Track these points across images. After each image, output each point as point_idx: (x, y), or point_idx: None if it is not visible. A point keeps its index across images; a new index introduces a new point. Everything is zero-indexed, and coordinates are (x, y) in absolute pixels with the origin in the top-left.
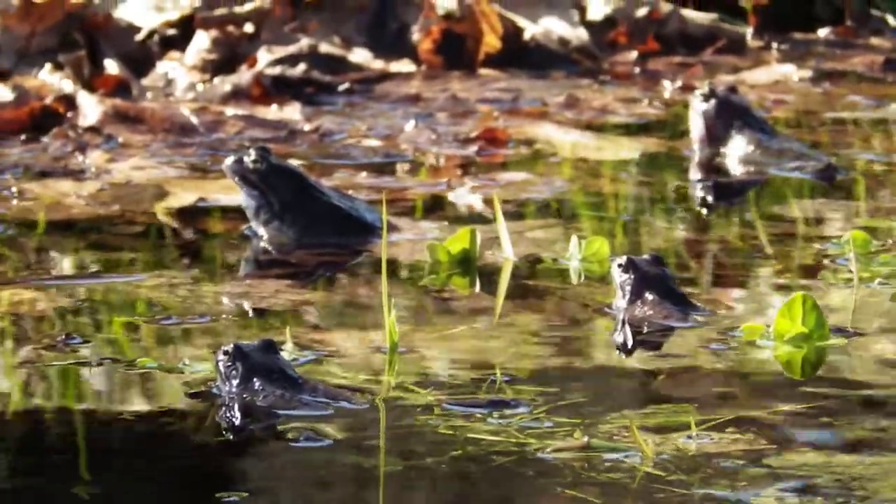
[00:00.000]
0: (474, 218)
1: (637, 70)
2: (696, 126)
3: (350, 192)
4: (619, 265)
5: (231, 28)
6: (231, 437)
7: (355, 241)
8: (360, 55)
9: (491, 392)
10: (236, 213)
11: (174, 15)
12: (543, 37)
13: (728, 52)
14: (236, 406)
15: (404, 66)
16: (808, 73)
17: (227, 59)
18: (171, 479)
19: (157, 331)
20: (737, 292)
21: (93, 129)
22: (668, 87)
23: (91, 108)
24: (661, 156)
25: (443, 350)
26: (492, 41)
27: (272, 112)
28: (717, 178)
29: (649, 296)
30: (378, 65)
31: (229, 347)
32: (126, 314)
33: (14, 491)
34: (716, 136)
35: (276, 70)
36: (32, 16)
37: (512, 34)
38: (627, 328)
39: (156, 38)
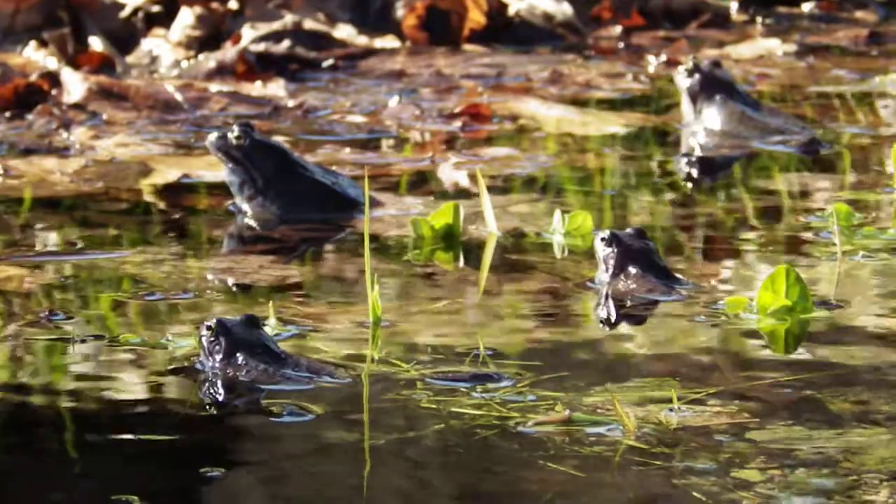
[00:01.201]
0: (458, 193)
1: (621, 45)
2: (683, 101)
3: (334, 167)
4: (603, 239)
5: (215, 4)
6: (214, 411)
7: (339, 217)
8: (344, 31)
9: (474, 366)
10: (220, 190)
11: None
12: (528, 12)
13: (712, 27)
14: (219, 381)
15: (388, 42)
16: (792, 48)
17: (211, 35)
18: (154, 454)
19: (141, 307)
20: (720, 265)
21: (77, 107)
22: (652, 62)
23: (75, 86)
24: (646, 130)
25: (426, 324)
26: (476, 17)
27: (256, 88)
28: (701, 153)
29: (632, 269)
30: (362, 41)
31: (212, 323)
32: (110, 290)
33: None
34: (700, 110)
35: (261, 46)
36: None
37: (496, 10)
38: (611, 302)
39: (140, 14)
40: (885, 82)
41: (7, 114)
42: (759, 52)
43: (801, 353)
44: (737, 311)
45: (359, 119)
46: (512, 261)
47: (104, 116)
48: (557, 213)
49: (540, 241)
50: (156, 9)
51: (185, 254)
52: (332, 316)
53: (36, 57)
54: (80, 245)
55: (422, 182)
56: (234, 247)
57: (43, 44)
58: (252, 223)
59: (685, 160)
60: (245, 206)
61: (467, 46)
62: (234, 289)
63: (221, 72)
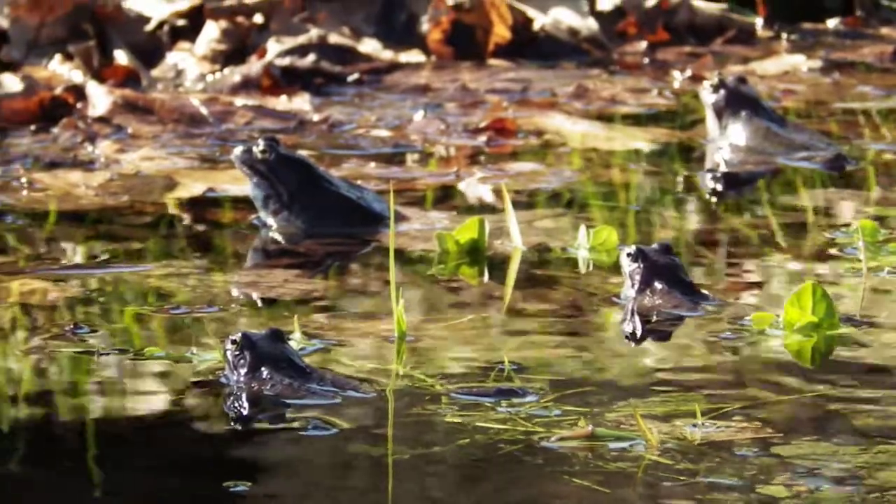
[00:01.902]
0: (483, 208)
1: (647, 60)
2: (708, 116)
3: (359, 182)
4: (629, 254)
5: (241, 18)
6: (239, 426)
7: (364, 231)
8: (369, 45)
9: (499, 381)
10: (245, 204)
11: (184, 5)
12: (553, 27)
13: (738, 43)
14: (244, 395)
15: (414, 56)
16: (817, 64)
17: (236, 49)
18: (178, 469)
19: (165, 320)
20: (746, 281)
21: (102, 120)
22: (677, 78)
23: (101, 99)
24: (671, 146)
25: (451, 339)
26: (501, 31)
27: (282, 103)
28: (726, 169)
29: (658, 285)
30: (387, 55)
31: (237, 336)
32: (135, 304)
33: (23, 480)
34: (725, 126)
35: (286, 61)
36: (42, 6)
37: (522, 24)
38: (636, 317)
39: (165, 28)
40: None
41: (32, 127)
42: (784, 67)
43: (827, 369)
44: (763, 326)
45: (384, 133)
46: (537, 276)
47: (129, 130)
48: (582, 228)
49: (565, 256)
50: (181, 22)
51: (210, 267)
52: (357, 330)
53: (61, 70)
54: (104, 258)
55: (447, 197)
56: (258, 261)
57: (68, 57)
58: (277, 237)
59: (710, 176)
60: (270, 220)
61: (492, 61)
62: (259, 303)
63: (247, 86)
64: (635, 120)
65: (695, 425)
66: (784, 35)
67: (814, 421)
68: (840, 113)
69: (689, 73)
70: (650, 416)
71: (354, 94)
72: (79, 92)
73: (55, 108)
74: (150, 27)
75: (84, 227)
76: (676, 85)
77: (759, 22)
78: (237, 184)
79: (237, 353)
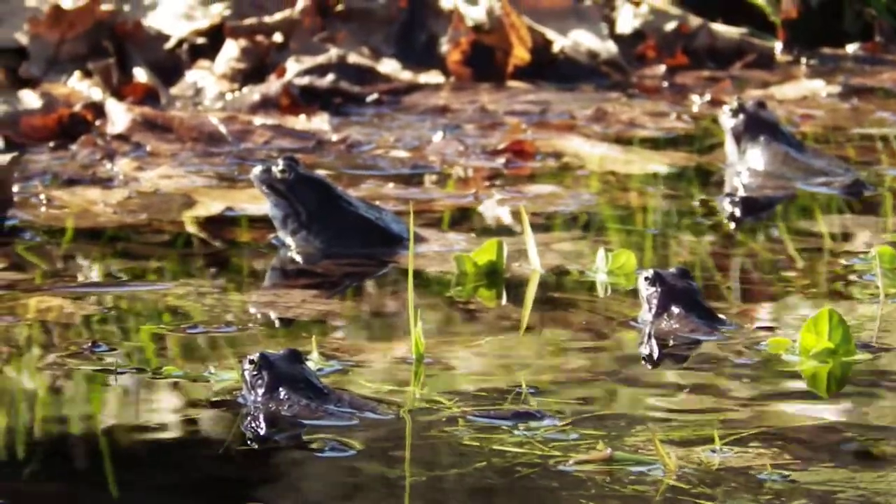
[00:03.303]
0: (501, 230)
1: (665, 84)
2: (727, 141)
3: (377, 202)
4: (646, 278)
5: (260, 37)
6: (256, 446)
7: (382, 252)
8: (388, 66)
9: (516, 404)
10: (263, 223)
11: (204, 24)
12: (572, 49)
13: (757, 67)
14: (261, 415)
15: (433, 77)
16: (836, 89)
17: (255, 68)
18: (195, 489)
19: (183, 339)
20: (763, 306)
21: (121, 137)
22: (696, 102)
23: (119, 116)
24: (689, 170)
25: (469, 361)
26: (521, 53)
27: (300, 122)
28: (744, 193)
29: (675, 309)
30: (406, 76)
31: (255, 357)
32: (152, 323)
33: (40, 498)
34: (744, 150)
35: (305, 80)
36: (62, 23)
37: (541, 46)
38: (653, 341)
39: (185, 46)
40: None
41: (51, 144)
42: (803, 92)
43: (844, 396)
44: (779, 352)
45: (402, 154)
46: (555, 299)
47: (148, 148)
48: (601, 251)
49: (583, 280)
50: (201, 41)
51: (228, 287)
52: (375, 351)
53: (80, 87)
54: (122, 276)
55: (465, 218)
56: (276, 280)
57: (87, 74)
58: (295, 257)
59: (728, 200)
60: (288, 240)
61: (511, 83)
62: (277, 323)
63: (265, 105)
64: (654, 143)
65: (713, 450)
66: (803, 60)
67: (830, 447)
68: (858, 138)
69: (707, 97)
70: (668, 441)
71: (373, 114)
72: (98, 109)
73: (74, 125)
74: (169, 45)
75: (102, 245)
76: (695, 109)
77: (778, 46)
78: (255, 203)
79: (255, 373)
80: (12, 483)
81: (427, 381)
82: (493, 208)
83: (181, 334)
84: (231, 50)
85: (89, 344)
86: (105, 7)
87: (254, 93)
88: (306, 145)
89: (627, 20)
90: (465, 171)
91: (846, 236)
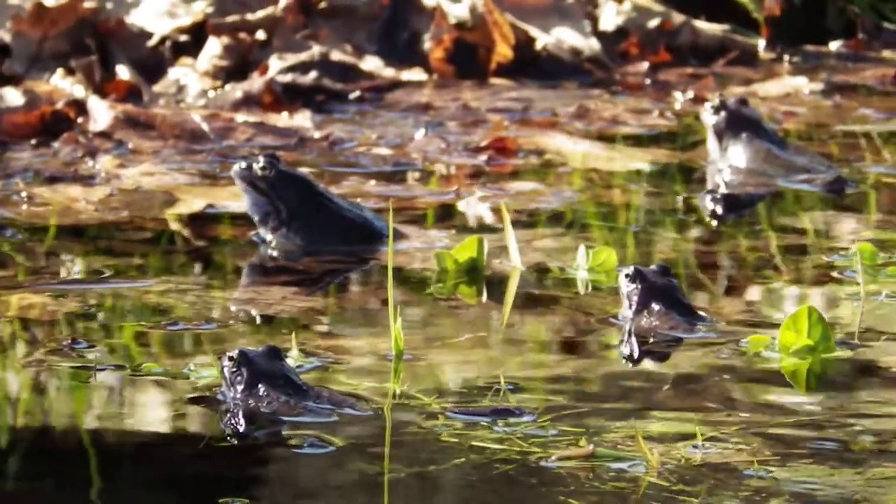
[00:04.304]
0: (483, 227)
1: (648, 81)
2: (709, 138)
3: (359, 200)
4: (627, 275)
5: (243, 35)
6: (235, 442)
7: (363, 249)
8: (371, 63)
9: (496, 400)
10: (245, 220)
11: (186, 21)
12: (555, 47)
13: (740, 64)
14: (241, 412)
15: (415, 74)
16: (819, 86)
17: (238, 65)
18: (174, 485)
19: (163, 336)
20: (743, 303)
21: (103, 135)
22: (679, 98)
23: (102, 114)
24: (671, 167)
25: (448, 358)
26: (504, 51)
27: (283, 119)
28: (726, 190)
29: (656, 306)
30: (389, 73)
31: (235, 353)
32: (133, 319)
33: (19, 496)
34: (726, 147)
35: (288, 77)
36: (44, 20)
37: (524, 44)
38: (634, 338)
39: (168, 44)
40: None
41: (33, 141)
42: (785, 90)
43: (823, 393)
44: (759, 349)
45: (385, 151)
46: (535, 296)
47: (130, 145)
48: (582, 248)
49: (564, 277)
50: (183, 38)
51: (209, 284)
52: (355, 348)
53: (63, 84)
54: (103, 274)
55: (447, 215)
56: (257, 277)
57: (70, 71)
58: (276, 254)
59: (710, 197)
60: (269, 237)
61: (494, 80)
62: (257, 320)
63: (248, 102)
64: (636, 140)
65: (694, 446)
66: (786, 57)
67: (810, 443)
68: (841, 136)
69: (690, 94)
70: (648, 437)
71: (356, 111)
72: (80, 106)
73: (56, 123)
74: (152, 42)
75: (83, 242)
76: (678, 106)
77: (761, 44)
78: (237, 200)
79: (234, 369)
80: None
81: (407, 378)
82: (475, 205)
83: (161, 331)
84: (214, 47)
85: (69, 340)
86: (88, 4)
87: (236, 90)
88: (288, 143)
89: (610, 17)
90: (447, 169)
91: (828, 233)
